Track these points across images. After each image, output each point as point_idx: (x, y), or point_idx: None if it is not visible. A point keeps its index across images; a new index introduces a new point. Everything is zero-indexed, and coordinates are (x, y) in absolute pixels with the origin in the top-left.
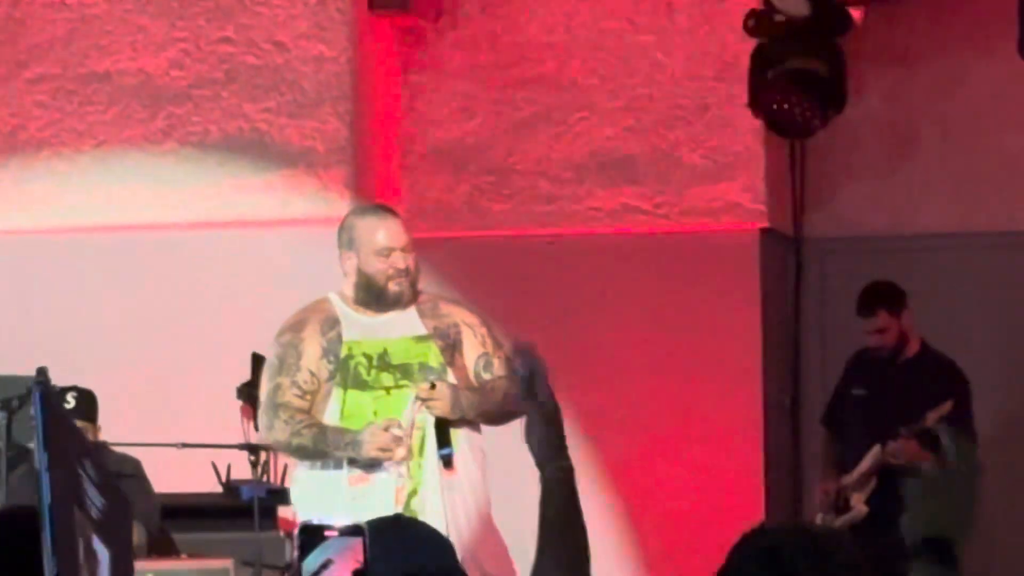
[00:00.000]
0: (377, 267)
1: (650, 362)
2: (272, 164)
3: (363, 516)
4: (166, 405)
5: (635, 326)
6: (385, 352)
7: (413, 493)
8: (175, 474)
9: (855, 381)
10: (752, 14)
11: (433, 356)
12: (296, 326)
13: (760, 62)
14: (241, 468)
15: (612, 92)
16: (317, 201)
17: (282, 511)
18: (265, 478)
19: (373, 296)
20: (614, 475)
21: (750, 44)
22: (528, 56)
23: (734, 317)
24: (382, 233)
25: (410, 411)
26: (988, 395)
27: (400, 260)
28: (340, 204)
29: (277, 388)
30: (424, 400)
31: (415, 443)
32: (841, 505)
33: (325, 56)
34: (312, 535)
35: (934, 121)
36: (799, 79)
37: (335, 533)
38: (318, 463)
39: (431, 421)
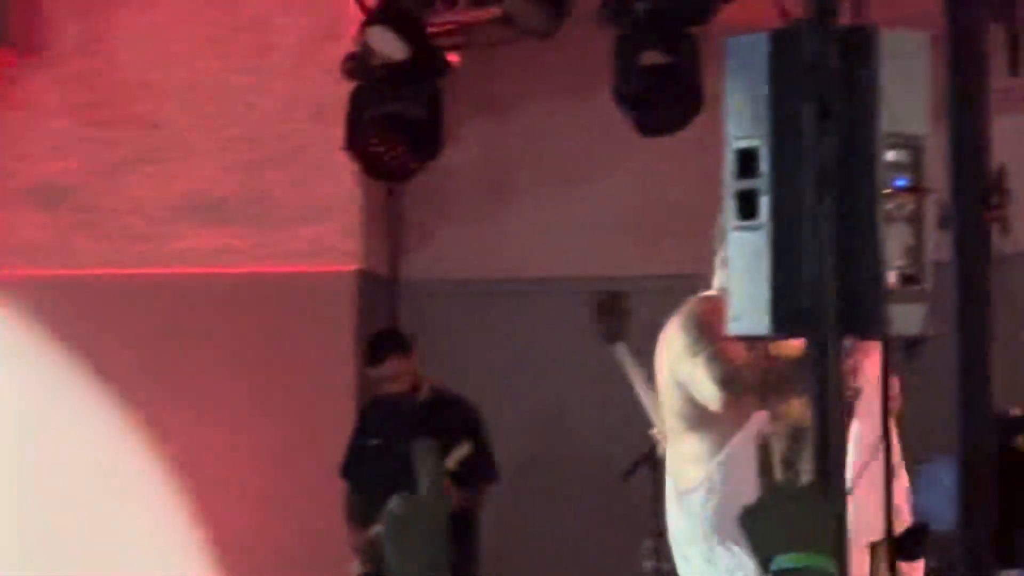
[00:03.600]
0: None
1: (246, 403)
2: None
3: None
4: None
5: (230, 367)
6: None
7: None
8: None
9: (370, 431)
10: (350, 57)
11: None
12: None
13: (357, 105)
14: None
15: (208, 132)
16: None
17: None
18: None
19: None
20: (208, 515)
21: (347, 87)
22: (124, 95)
23: (330, 359)
24: None
25: None
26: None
27: None
28: None
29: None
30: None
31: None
32: (376, 557)
33: None
34: None
35: (529, 166)
36: (396, 123)
37: None
38: None
39: None
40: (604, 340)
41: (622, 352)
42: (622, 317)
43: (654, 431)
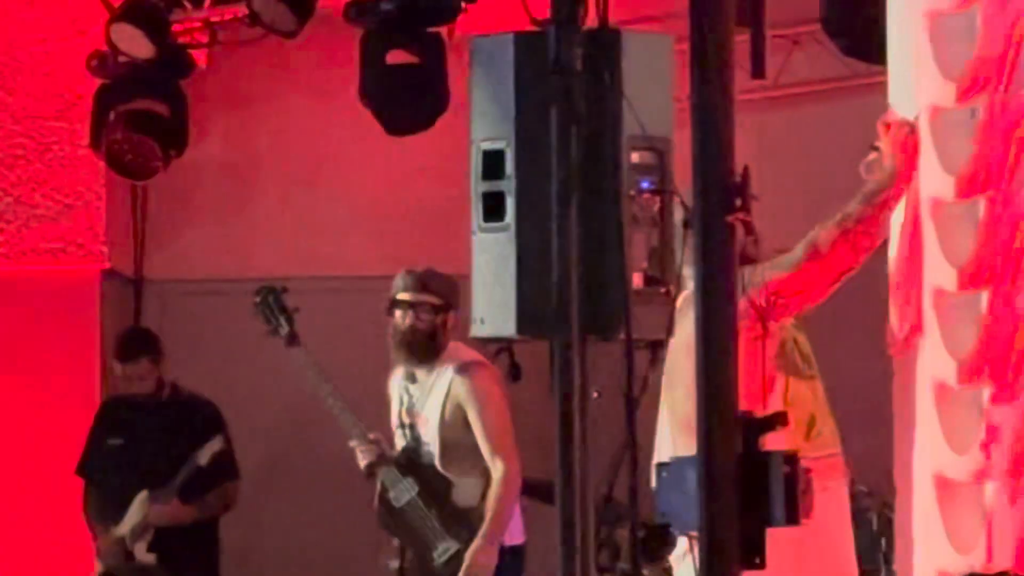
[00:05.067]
0: None
1: None
2: None
3: None
4: None
5: None
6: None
7: None
8: None
9: (110, 431)
10: (96, 54)
11: None
12: None
13: (103, 103)
14: None
15: None
16: None
17: None
18: None
19: None
20: None
21: (94, 84)
22: None
23: (74, 358)
24: None
25: None
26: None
27: None
28: None
29: None
30: None
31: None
32: (125, 555)
33: None
34: None
35: (275, 165)
36: (141, 120)
37: None
38: None
39: None
40: (285, 344)
41: (300, 357)
42: (284, 314)
43: (353, 443)
